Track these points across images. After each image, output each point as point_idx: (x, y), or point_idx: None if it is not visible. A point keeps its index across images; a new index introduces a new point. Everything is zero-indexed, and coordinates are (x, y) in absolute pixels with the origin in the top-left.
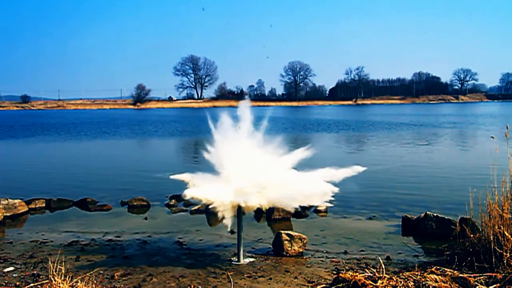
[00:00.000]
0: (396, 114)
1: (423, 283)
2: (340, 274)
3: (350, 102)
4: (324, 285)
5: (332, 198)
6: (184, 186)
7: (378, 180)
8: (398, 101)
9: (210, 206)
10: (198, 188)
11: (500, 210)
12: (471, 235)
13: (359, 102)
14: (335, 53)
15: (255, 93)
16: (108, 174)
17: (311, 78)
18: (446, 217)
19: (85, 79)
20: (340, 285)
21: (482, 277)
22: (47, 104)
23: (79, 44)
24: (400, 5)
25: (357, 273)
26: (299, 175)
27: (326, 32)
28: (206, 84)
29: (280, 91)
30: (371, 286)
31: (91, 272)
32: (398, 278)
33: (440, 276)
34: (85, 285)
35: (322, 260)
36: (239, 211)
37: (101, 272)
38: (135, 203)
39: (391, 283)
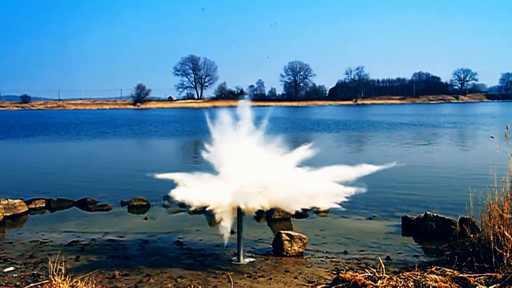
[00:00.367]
0: (396, 114)
1: (423, 283)
2: (340, 274)
3: (350, 102)
4: (324, 285)
5: (345, 200)
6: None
7: (378, 180)
8: (398, 101)
9: (207, 209)
10: (189, 188)
11: (500, 210)
12: (471, 235)
13: (359, 102)
14: (335, 53)
15: (255, 93)
16: (108, 174)
17: (311, 78)
18: (446, 217)
19: (85, 79)
20: (340, 285)
21: (482, 277)
22: (47, 104)
23: (79, 44)
24: (400, 5)
25: (357, 273)
26: (305, 175)
27: (326, 32)
28: (206, 84)
29: (280, 91)
30: (371, 286)
31: (91, 272)
32: (398, 278)
33: (440, 276)
34: (85, 285)
35: (322, 260)
36: (239, 211)
37: (101, 272)
38: (135, 203)
39: (391, 283)
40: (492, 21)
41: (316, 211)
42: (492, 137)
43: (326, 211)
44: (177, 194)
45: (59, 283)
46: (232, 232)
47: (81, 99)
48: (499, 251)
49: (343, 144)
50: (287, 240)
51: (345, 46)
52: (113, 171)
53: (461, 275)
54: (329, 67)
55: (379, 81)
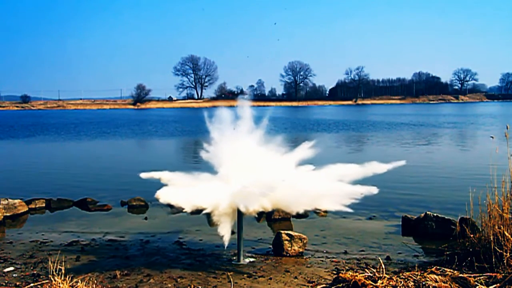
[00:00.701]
0: (396, 114)
1: (423, 283)
2: (340, 274)
3: (350, 102)
4: (324, 285)
5: (356, 201)
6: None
7: (378, 180)
8: (398, 101)
9: (202, 212)
10: (179, 189)
11: (500, 210)
12: (471, 235)
13: (359, 102)
14: (335, 53)
15: (255, 93)
16: (108, 174)
17: (311, 78)
18: (446, 217)
19: (85, 79)
20: (340, 285)
21: (482, 277)
22: (47, 104)
23: (79, 44)
24: (400, 5)
25: (357, 273)
26: (308, 175)
27: (326, 32)
28: (206, 84)
29: (280, 91)
30: (371, 286)
31: (91, 272)
32: (398, 278)
33: (440, 276)
34: (85, 285)
35: (322, 260)
36: (240, 211)
37: (101, 272)
38: (134, 203)
39: (391, 283)
40: (492, 21)
41: (316, 211)
42: (492, 137)
43: (326, 211)
44: (162, 195)
45: (59, 283)
46: (232, 232)
47: (81, 99)
48: (499, 251)
49: (343, 144)
50: (287, 240)
51: (345, 46)
52: (113, 171)
53: (461, 275)
54: (329, 67)
55: (379, 81)
